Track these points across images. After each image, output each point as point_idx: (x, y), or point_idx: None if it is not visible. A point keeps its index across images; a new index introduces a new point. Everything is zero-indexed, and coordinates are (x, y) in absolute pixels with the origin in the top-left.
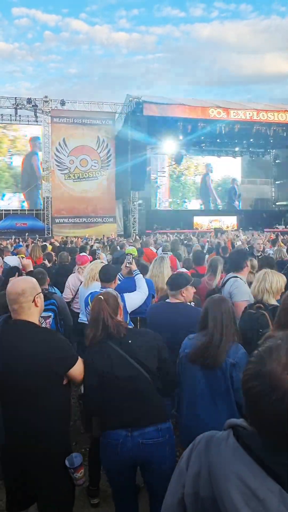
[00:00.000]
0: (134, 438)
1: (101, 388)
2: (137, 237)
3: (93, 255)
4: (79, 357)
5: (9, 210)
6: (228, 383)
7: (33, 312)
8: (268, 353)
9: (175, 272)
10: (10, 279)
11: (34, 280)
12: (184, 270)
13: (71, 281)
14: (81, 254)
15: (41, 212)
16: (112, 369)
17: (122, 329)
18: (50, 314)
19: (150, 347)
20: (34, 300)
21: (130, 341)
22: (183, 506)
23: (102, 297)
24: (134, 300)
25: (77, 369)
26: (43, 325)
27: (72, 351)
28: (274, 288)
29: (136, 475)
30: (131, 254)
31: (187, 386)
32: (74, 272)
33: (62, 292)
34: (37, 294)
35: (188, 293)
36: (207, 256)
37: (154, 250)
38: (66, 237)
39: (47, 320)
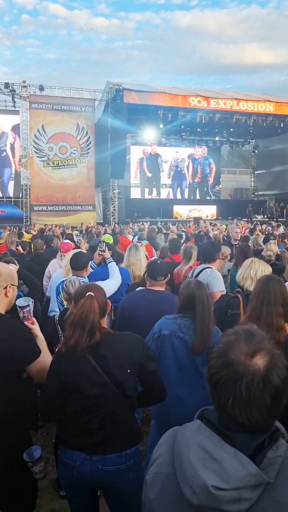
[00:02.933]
0: (93, 462)
1: (62, 400)
2: (117, 226)
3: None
4: (41, 353)
5: None
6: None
7: (1, 300)
8: (229, 345)
9: (153, 260)
10: None
11: (14, 270)
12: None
13: (51, 268)
14: (65, 241)
15: (20, 199)
16: (79, 386)
17: (99, 334)
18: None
19: (132, 359)
20: (6, 288)
21: (104, 351)
22: None
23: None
24: (107, 288)
25: (37, 366)
26: (21, 314)
27: (35, 345)
28: (258, 276)
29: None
30: (104, 241)
31: (162, 366)
32: (56, 258)
33: (38, 279)
34: (11, 285)
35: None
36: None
37: (131, 238)
38: (45, 225)
39: (25, 309)
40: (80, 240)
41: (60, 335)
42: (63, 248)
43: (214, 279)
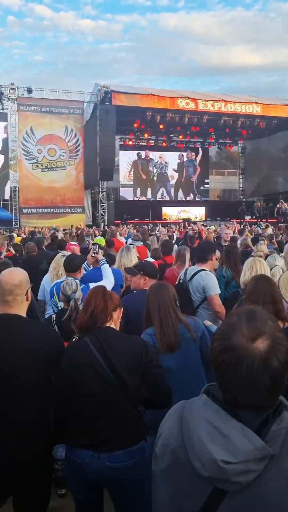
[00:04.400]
0: (101, 460)
1: (70, 396)
2: (111, 227)
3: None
4: None
5: None
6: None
7: (24, 306)
8: (231, 328)
9: (145, 260)
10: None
11: (26, 273)
12: (151, 259)
13: None
14: (71, 243)
15: (9, 202)
16: (85, 382)
17: (111, 330)
18: None
19: (136, 360)
20: (26, 293)
21: (111, 350)
22: None
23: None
24: None
25: None
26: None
27: (63, 344)
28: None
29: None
30: (97, 243)
31: None
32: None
33: (31, 281)
34: (29, 288)
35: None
36: (175, 246)
37: (122, 240)
38: (34, 227)
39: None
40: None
41: None
42: (69, 250)
43: (210, 282)
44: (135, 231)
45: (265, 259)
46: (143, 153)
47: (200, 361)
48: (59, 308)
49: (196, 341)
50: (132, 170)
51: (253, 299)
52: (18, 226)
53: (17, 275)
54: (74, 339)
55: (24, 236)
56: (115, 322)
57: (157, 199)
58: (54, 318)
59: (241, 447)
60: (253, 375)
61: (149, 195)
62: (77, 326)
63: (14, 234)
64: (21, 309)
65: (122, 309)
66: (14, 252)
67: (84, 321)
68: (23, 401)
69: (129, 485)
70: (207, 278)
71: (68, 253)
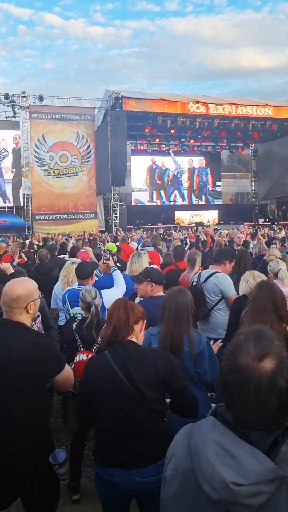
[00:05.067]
0: (132, 477)
1: (92, 413)
2: (119, 232)
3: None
4: (65, 364)
5: None
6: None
7: (24, 317)
8: (238, 348)
9: (150, 267)
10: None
11: (33, 285)
12: (155, 266)
13: None
14: (82, 250)
15: (21, 209)
16: (105, 397)
17: (132, 344)
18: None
19: (157, 373)
20: (26, 307)
21: (131, 364)
22: None
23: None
24: (112, 296)
25: (63, 376)
26: (34, 327)
27: (60, 355)
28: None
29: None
30: (108, 250)
31: None
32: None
33: (43, 288)
34: (32, 301)
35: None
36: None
37: (134, 246)
38: (47, 233)
39: (37, 320)
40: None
41: (78, 344)
42: (80, 256)
43: (227, 283)
44: (145, 235)
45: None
46: (157, 159)
47: (192, 378)
48: (71, 315)
49: (192, 358)
50: (148, 177)
51: (255, 307)
52: (31, 232)
53: (18, 290)
54: (95, 348)
55: (37, 243)
56: (136, 335)
57: (170, 203)
58: (75, 327)
59: (251, 468)
60: (260, 395)
61: (163, 198)
62: (102, 341)
63: (27, 241)
64: (22, 319)
65: (144, 321)
66: (26, 259)
67: (107, 335)
68: (7, 408)
69: (159, 496)
70: (223, 280)
71: (77, 260)
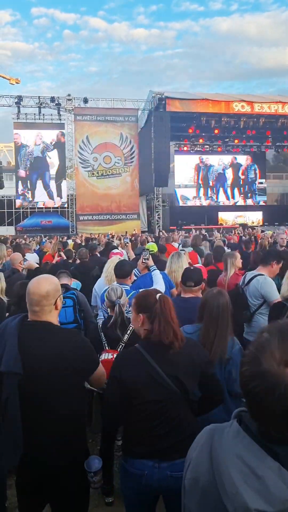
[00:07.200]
0: (162, 470)
1: (124, 408)
2: (162, 233)
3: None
4: (100, 361)
5: (34, 208)
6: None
7: (53, 315)
8: (261, 350)
9: (188, 267)
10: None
11: (56, 280)
12: (198, 265)
13: None
14: (114, 251)
15: (66, 209)
16: (141, 391)
17: (171, 337)
18: (64, 301)
19: (193, 362)
20: (55, 303)
21: (168, 354)
22: None
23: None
24: None
25: (98, 373)
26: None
27: (95, 352)
28: None
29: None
30: (148, 249)
31: None
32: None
33: (83, 286)
34: (59, 296)
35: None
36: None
37: (176, 246)
38: (91, 234)
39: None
40: (127, 243)
41: (103, 342)
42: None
43: (268, 288)
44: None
45: None
46: (203, 158)
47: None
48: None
49: (222, 363)
50: (195, 173)
51: None
52: (74, 233)
53: (45, 285)
54: (121, 347)
55: (79, 242)
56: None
57: (218, 201)
58: (101, 325)
59: (278, 493)
60: (286, 405)
61: (209, 196)
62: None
63: (69, 241)
64: (51, 317)
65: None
66: (65, 258)
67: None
68: (54, 408)
69: None
70: (264, 285)
71: (117, 259)
